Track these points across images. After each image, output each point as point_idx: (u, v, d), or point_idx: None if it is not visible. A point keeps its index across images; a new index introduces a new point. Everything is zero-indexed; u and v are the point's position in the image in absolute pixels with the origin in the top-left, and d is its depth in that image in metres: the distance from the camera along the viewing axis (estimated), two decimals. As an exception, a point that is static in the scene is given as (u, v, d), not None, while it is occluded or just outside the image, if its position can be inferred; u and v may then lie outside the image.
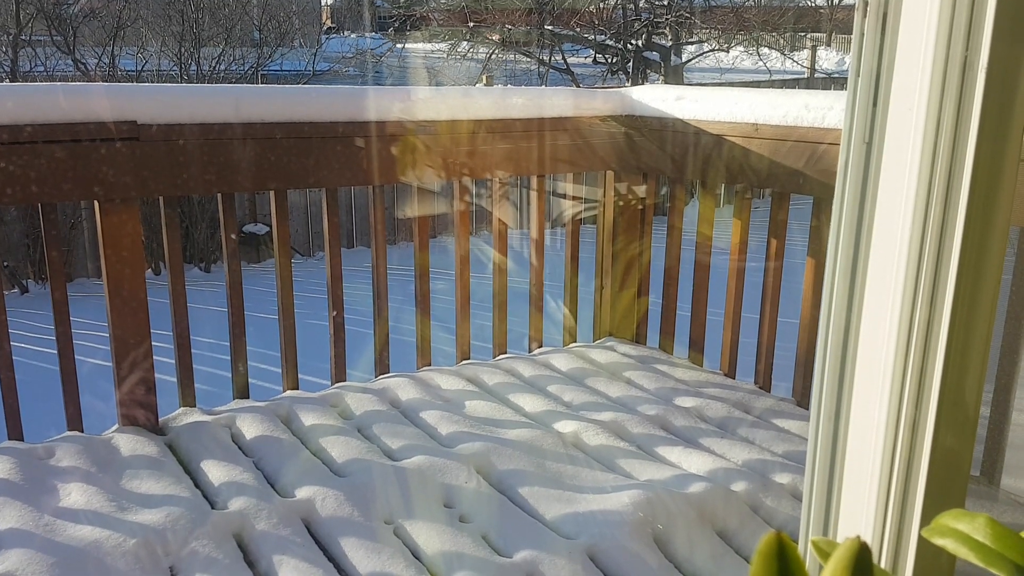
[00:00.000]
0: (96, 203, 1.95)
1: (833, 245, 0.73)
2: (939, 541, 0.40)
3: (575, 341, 2.85)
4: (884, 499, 0.71)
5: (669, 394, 2.38)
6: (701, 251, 2.54)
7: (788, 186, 2.23)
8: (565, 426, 2.12)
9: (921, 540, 0.69)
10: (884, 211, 0.68)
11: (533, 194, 2.65)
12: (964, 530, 0.39)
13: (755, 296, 2.47)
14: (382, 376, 2.48)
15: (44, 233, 1.96)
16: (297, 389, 2.36)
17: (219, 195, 2.13)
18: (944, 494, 0.73)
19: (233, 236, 2.17)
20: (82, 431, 2.06)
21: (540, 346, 2.77)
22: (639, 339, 2.85)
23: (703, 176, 2.47)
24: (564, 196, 2.80)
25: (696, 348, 2.65)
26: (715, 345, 2.61)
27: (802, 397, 2.36)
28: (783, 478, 1.90)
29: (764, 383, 2.45)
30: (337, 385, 2.40)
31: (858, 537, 0.32)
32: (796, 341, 2.36)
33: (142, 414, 2.07)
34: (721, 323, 2.54)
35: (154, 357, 2.10)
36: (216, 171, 2.05)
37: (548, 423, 2.15)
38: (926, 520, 0.69)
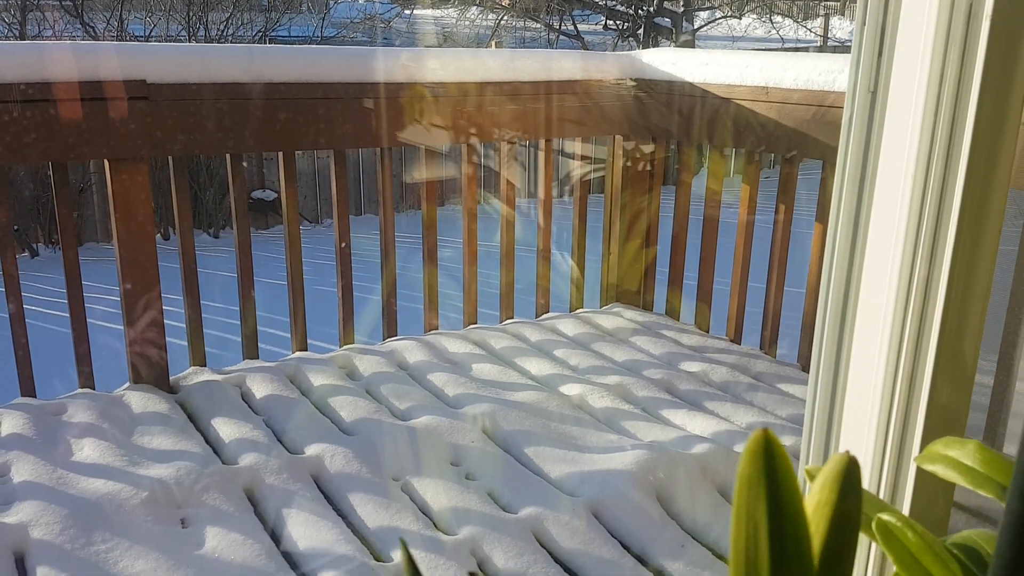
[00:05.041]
0: (106, 162, 1.96)
1: (837, 195, 0.74)
2: (929, 467, 0.41)
3: (582, 307, 2.86)
4: (881, 449, 0.73)
5: (674, 358, 2.39)
6: (710, 205, 2.53)
7: (797, 149, 2.23)
8: (571, 389, 2.14)
9: (916, 493, 0.70)
10: (887, 161, 0.68)
11: (541, 158, 2.65)
12: (954, 456, 0.40)
13: (762, 266, 2.48)
14: (390, 339, 2.50)
15: (55, 191, 1.98)
16: (306, 350, 2.38)
17: (228, 156, 2.14)
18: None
19: (240, 188, 2.18)
20: (93, 388, 2.09)
21: (547, 311, 2.79)
22: (645, 305, 2.86)
23: (713, 139, 2.47)
24: (572, 159, 2.79)
25: (702, 314, 2.66)
26: (721, 311, 2.62)
27: (807, 362, 2.38)
28: (786, 440, 1.92)
29: (769, 348, 2.46)
30: (345, 347, 2.42)
31: (847, 452, 0.33)
32: (802, 308, 2.37)
33: (153, 372, 2.10)
34: (728, 291, 2.54)
35: (164, 320, 2.12)
36: (225, 131, 2.06)
37: (554, 386, 2.17)
38: (921, 474, 0.70)
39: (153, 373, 2.10)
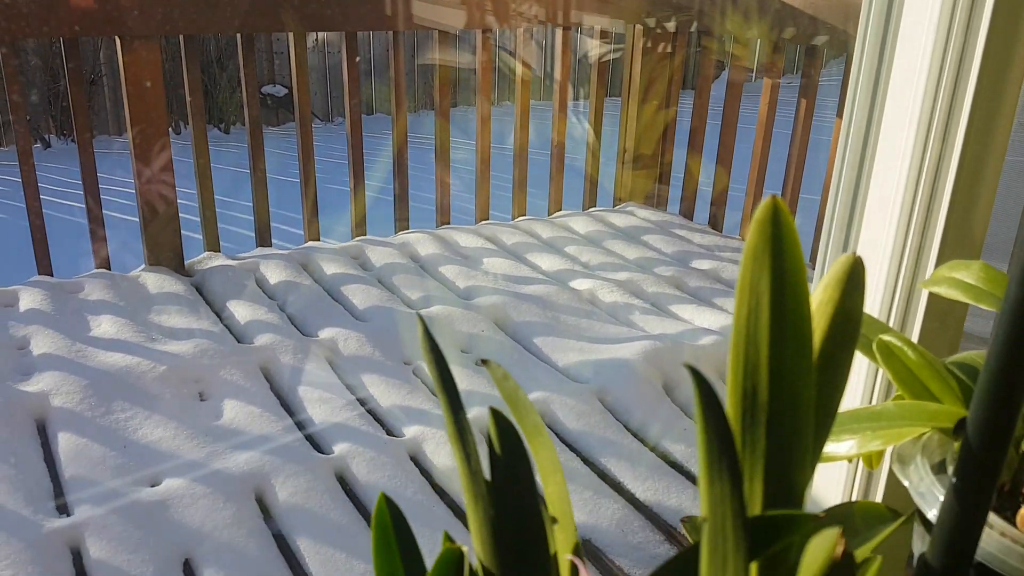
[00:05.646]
0: (118, 39, 1.93)
1: (858, 57, 0.72)
2: (934, 288, 0.42)
3: (595, 205, 2.85)
4: (892, 286, 0.73)
5: (686, 257, 2.39)
6: (734, 70, 2.48)
7: (820, 39, 2.17)
8: (581, 284, 2.15)
9: (924, 327, 0.71)
10: (909, 21, 0.67)
11: (559, 43, 2.59)
12: (959, 276, 0.40)
13: (779, 172, 2.45)
14: (402, 232, 2.50)
15: (66, 69, 1.96)
16: (318, 240, 2.40)
17: (239, 37, 2.10)
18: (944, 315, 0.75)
19: (252, 68, 2.16)
20: (109, 269, 2.11)
21: (559, 208, 2.78)
22: (660, 205, 2.84)
23: (737, 27, 2.41)
24: (591, 37, 2.73)
25: (716, 214, 2.65)
26: (736, 212, 2.61)
27: (814, 259, 2.37)
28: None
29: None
30: (358, 238, 2.43)
31: (854, 252, 0.33)
32: (817, 211, 2.36)
33: (168, 255, 2.12)
34: (743, 197, 2.52)
35: (179, 213, 2.12)
36: (235, 9, 2.02)
37: (564, 281, 2.18)
38: (926, 332, 0.71)
39: (168, 256, 2.12)
